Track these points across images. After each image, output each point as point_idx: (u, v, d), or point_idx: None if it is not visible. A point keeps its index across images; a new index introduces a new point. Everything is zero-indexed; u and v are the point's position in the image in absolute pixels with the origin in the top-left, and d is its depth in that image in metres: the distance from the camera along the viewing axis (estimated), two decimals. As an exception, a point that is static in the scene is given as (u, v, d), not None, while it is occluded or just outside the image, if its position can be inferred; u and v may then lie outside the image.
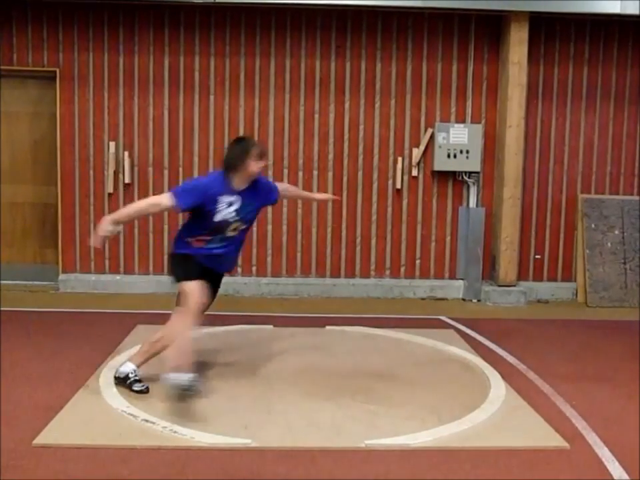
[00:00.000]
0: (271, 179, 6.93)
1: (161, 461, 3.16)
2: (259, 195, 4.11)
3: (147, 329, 5.41)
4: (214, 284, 4.21)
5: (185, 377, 3.67)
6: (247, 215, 4.06)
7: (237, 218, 3.98)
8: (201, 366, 4.57)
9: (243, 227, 4.08)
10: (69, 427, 3.50)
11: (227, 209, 3.93)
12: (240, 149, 3.98)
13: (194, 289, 3.90)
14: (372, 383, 4.29)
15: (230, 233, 4.04)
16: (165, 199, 3.94)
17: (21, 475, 2.99)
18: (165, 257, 6.99)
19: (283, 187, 4.72)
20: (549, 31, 6.95)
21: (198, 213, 3.97)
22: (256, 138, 6.90)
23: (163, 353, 3.97)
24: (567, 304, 7.04)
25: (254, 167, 3.95)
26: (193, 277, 3.95)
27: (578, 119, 7.07)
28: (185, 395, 3.69)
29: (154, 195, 6.90)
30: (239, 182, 3.98)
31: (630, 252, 7.03)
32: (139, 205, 4.27)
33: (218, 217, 3.93)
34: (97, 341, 5.09)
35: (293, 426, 3.58)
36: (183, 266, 4.04)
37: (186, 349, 3.83)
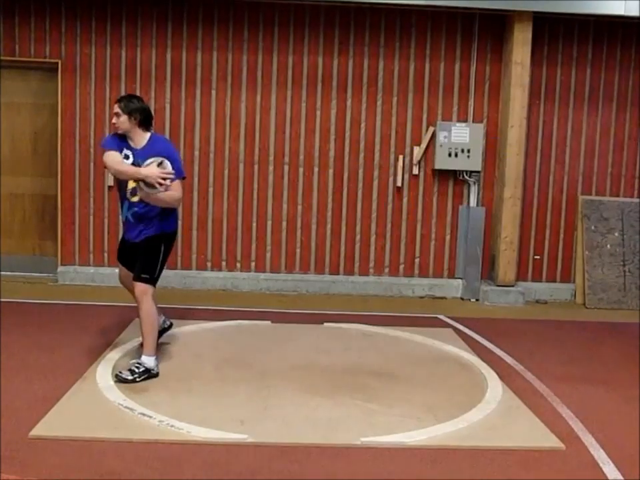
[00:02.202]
0: (271, 175, 6.98)
1: (157, 454, 3.16)
2: (150, 156, 4.06)
3: (144, 322, 5.43)
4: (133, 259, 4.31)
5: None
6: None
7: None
8: (199, 360, 4.58)
9: (133, 186, 4.08)
10: (66, 419, 3.50)
11: (125, 160, 4.11)
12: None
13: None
14: (369, 381, 4.29)
15: (128, 195, 4.16)
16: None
17: (17, 466, 2.99)
18: (164, 251, 7.00)
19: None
20: (553, 31, 6.94)
21: None
22: (257, 134, 6.92)
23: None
24: (565, 305, 7.05)
25: (114, 121, 4.17)
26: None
27: (580, 120, 7.07)
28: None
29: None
30: (133, 139, 4.17)
31: (629, 254, 7.04)
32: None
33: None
34: (95, 333, 5.09)
35: (290, 422, 3.59)
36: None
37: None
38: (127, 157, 4.11)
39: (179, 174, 4.12)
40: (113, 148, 4.10)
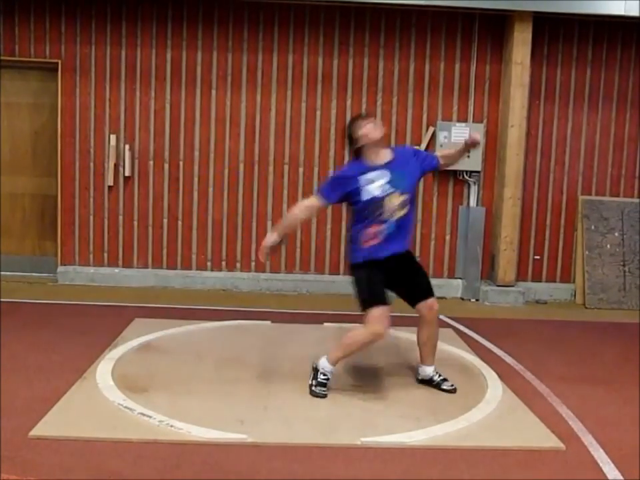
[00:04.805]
0: (271, 175, 6.98)
1: (156, 454, 3.16)
2: (407, 163, 3.99)
3: (144, 322, 5.43)
4: (402, 274, 4.09)
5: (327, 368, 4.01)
6: (402, 185, 3.89)
7: (389, 191, 3.86)
8: (199, 360, 4.58)
9: (402, 199, 3.89)
10: (66, 419, 3.50)
11: (371, 185, 3.86)
12: (351, 126, 3.99)
13: (376, 317, 3.98)
14: (369, 381, 4.29)
15: (390, 213, 3.90)
16: (314, 200, 4.01)
17: (17, 466, 2.99)
18: (164, 251, 7.00)
19: (441, 153, 4.32)
20: (553, 31, 6.94)
21: (352, 204, 3.95)
22: (257, 134, 6.92)
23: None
24: (565, 305, 7.05)
25: (367, 131, 3.89)
26: (376, 300, 4.01)
27: (580, 120, 7.07)
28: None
29: (154, 188, 6.94)
30: (375, 156, 3.92)
31: (629, 254, 7.03)
32: (294, 212, 4.11)
33: (365, 196, 3.85)
34: (95, 333, 5.09)
35: (289, 422, 3.58)
36: (365, 284, 4.04)
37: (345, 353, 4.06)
38: (371, 181, 3.87)
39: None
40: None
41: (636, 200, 7.13)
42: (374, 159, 3.93)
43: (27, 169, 7.06)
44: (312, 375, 4.05)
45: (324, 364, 4.03)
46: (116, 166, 6.86)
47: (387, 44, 6.89)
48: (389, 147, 4.18)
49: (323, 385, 3.99)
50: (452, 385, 4.15)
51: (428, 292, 4.13)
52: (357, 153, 3.99)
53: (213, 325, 5.48)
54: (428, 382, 4.21)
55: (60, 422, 3.46)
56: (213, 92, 6.88)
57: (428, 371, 4.20)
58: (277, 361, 4.63)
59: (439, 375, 4.21)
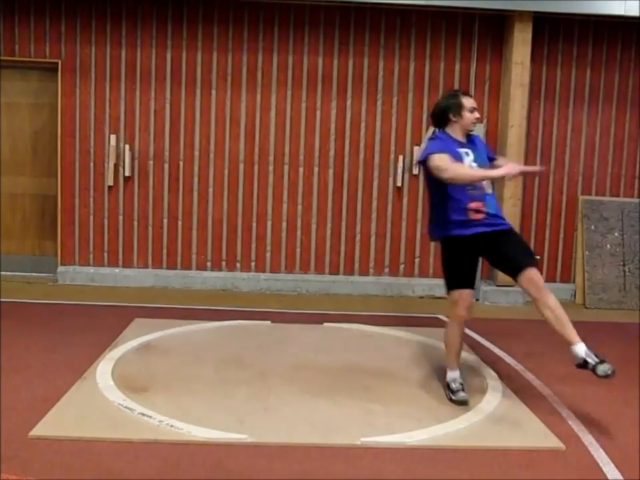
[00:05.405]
0: (271, 175, 6.98)
1: (156, 454, 3.16)
2: (482, 146, 4.07)
3: (144, 322, 5.43)
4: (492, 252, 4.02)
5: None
6: (482, 164, 3.91)
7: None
8: (199, 360, 4.58)
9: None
10: (66, 419, 3.50)
11: (467, 158, 3.88)
12: (454, 101, 3.98)
13: (457, 299, 3.96)
14: (369, 381, 4.29)
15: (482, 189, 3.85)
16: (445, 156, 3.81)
17: (16, 466, 2.98)
18: (164, 251, 7.00)
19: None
20: (553, 31, 6.94)
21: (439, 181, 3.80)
22: (257, 134, 6.92)
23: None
24: (565, 305, 6.87)
25: (467, 117, 3.94)
26: (456, 282, 3.96)
27: (580, 120, 7.07)
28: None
29: (154, 188, 6.94)
30: (460, 134, 3.97)
31: (629, 254, 7.03)
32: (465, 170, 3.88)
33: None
34: (95, 333, 5.08)
35: (289, 422, 3.58)
36: (447, 264, 3.99)
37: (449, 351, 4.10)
38: (466, 154, 3.90)
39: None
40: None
41: (636, 200, 7.14)
42: (458, 135, 3.97)
43: (27, 168, 7.06)
44: (447, 391, 4.07)
45: (449, 375, 4.09)
46: (116, 166, 6.86)
47: (387, 44, 6.89)
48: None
49: (459, 390, 4.01)
50: (607, 371, 3.40)
51: (520, 261, 3.95)
52: (441, 123, 4.03)
53: (213, 325, 5.48)
54: (583, 366, 3.52)
55: (60, 422, 3.46)
56: (213, 92, 6.88)
57: (577, 351, 3.60)
58: (277, 361, 4.63)
59: (595, 356, 3.51)
